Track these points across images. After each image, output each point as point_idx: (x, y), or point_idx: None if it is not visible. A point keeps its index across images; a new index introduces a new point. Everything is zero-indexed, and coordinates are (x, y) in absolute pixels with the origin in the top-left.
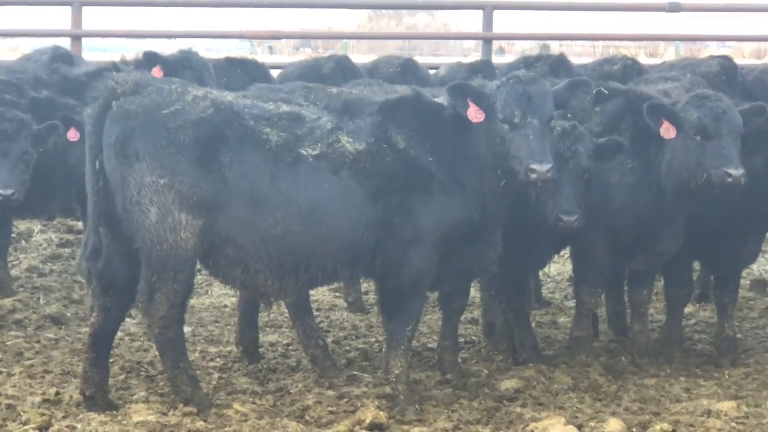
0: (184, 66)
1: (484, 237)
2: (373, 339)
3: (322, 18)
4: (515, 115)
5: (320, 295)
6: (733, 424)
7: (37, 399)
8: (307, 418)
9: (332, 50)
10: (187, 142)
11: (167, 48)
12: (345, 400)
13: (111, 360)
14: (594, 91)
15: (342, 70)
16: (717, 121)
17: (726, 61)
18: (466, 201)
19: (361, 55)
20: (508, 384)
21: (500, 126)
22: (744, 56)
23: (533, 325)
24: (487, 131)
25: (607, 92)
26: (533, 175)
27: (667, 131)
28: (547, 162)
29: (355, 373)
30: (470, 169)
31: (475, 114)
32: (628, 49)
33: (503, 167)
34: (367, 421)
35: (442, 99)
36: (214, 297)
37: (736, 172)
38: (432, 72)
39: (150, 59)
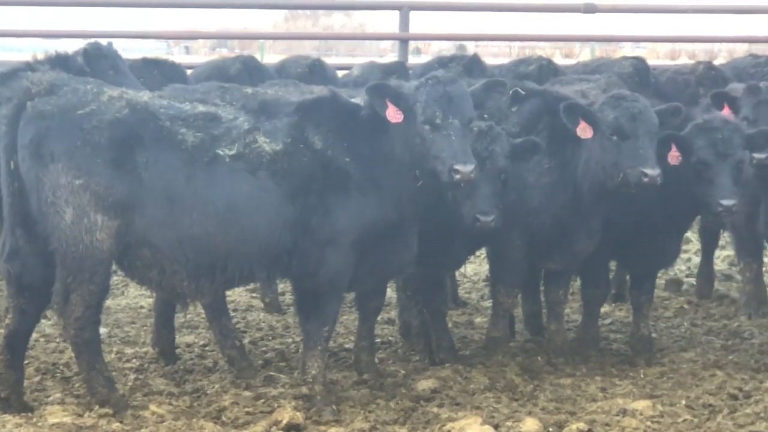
0: (98, 56)
1: (401, 237)
2: (290, 340)
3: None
4: (436, 116)
5: (237, 295)
6: (649, 423)
7: None
8: (223, 419)
9: (248, 51)
10: (103, 143)
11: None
12: (262, 400)
13: (26, 361)
14: (511, 92)
15: (249, 70)
16: (633, 121)
17: (639, 62)
18: (384, 201)
19: (277, 56)
20: (424, 384)
21: (421, 127)
22: (659, 57)
23: (450, 325)
24: (405, 132)
25: (523, 93)
26: (457, 176)
27: (584, 131)
28: (470, 162)
29: (272, 373)
30: (388, 170)
31: (394, 115)
32: (543, 49)
33: (423, 168)
34: (284, 421)
35: (359, 99)
36: (131, 298)
37: (653, 171)
38: (344, 72)
39: (62, 60)
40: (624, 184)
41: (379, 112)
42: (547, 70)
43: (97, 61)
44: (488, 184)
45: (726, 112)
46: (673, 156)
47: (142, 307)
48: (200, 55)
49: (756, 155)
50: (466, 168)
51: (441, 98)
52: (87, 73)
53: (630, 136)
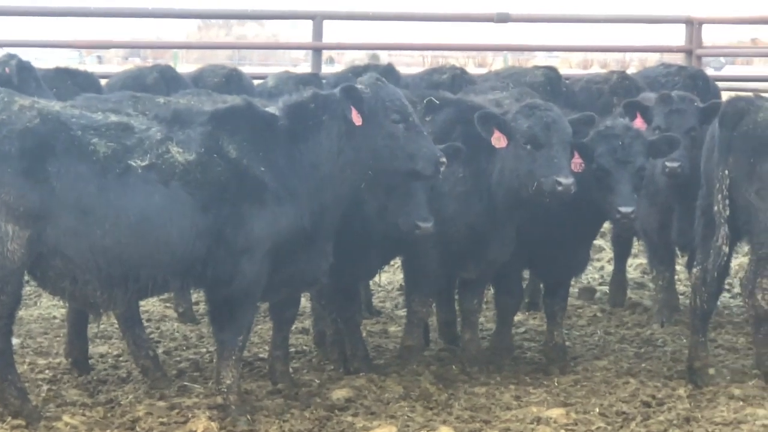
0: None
1: (317, 247)
2: (204, 349)
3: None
4: (398, 120)
5: (150, 305)
6: (563, 431)
7: None
8: (137, 429)
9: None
10: (13, 153)
11: None
12: (176, 411)
13: None
14: (425, 101)
15: (165, 79)
16: (547, 130)
17: (550, 71)
18: (300, 211)
19: (190, 65)
20: (339, 393)
21: (394, 127)
22: (571, 66)
23: (364, 334)
24: (355, 138)
25: (437, 102)
26: (429, 172)
27: (498, 141)
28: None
29: (186, 383)
30: (305, 179)
31: (356, 118)
32: (457, 59)
33: (383, 173)
34: (199, 431)
35: (274, 109)
36: (43, 308)
37: (566, 180)
38: (258, 82)
39: None
40: (538, 192)
41: (345, 113)
42: (460, 79)
43: (21, 72)
44: (422, 190)
45: (638, 121)
46: (576, 163)
47: (54, 317)
48: (113, 64)
49: (668, 164)
50: (443, 159)
51: (401, 103)
52: (14, 85)
53: (544, 145)
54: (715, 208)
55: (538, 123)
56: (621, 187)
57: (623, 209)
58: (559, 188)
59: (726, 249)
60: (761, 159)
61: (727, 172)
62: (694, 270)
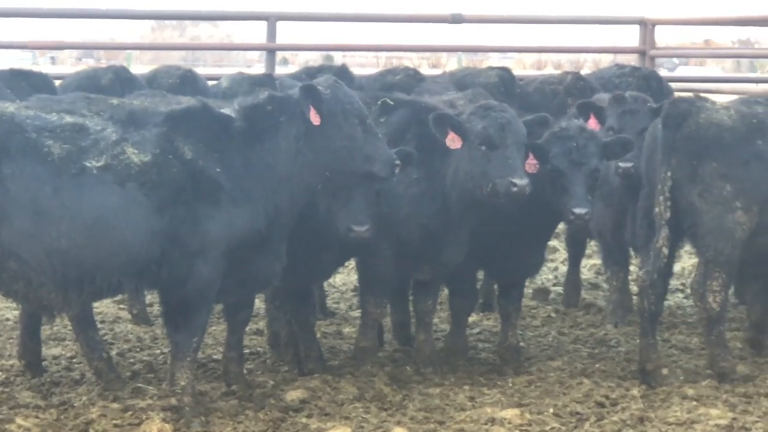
0: None
1: (272, 249)
2: (158, 351)
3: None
4: (357, 122)
5: (104, 307)
6: (517, 431)
7: None
8: (91, 431)
9: (115, 61)
10: None
11: None
12: (130, 412)
13: None
14: (379, 102)
15: (120, 80)
16: (502, 131)
17: (504, 72)
18: (255, 212)
19: (144, 66)
20: (293, 395)
21: (353, 128)
22: (525, 67)
23: (318, 335)
24: (314, 139)
25: (392, 103)
26: (384, 172)
27: (453, 142)
28: (394, 159)
29: (140, 385)
30: (261, 181)
31: (314, 117)
32: (411, 59)
33: (340, 175)
34: None
35: (229, 110)
36: None
37: (521, 182)
38: (212, 83)
39: None
40: (493, 194)
41: (304, 111)
42: (413, 80)
43: None
44: (361, 194)
45: (592, 121)
46: (530, 164)
47: (8, 319)
48: (66, 65)
49: (621, 164)
50: (397, 162)
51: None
52: None
53: (498, 146)
54: (656, 209)
55: (492, 124)
56: (575, 189)
57: (577, 210)
58: (514, 189)
59: (666, 251)
60: (704, 161)
61: (669, 173)
62: (640, 273)
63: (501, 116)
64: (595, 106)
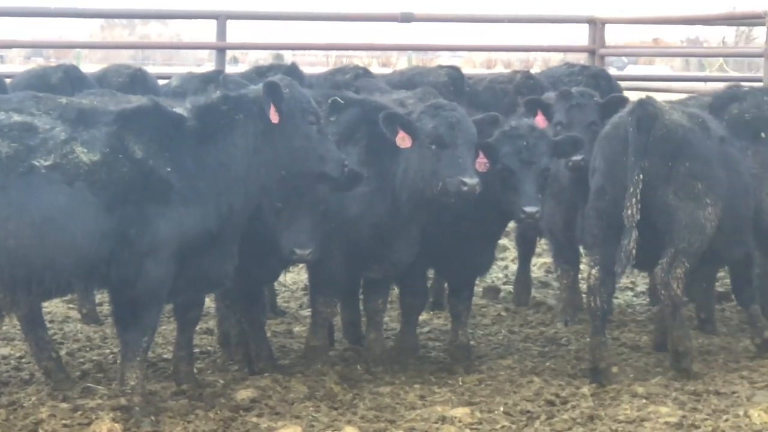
0: None
1: (222, 248)
2: (108, 350)
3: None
4: (313, 122)
5: (53, 306)
6: (467, 431)
7: None
8: (40, 431)
9: (64, 60)
10: None
11: None
12: (80, 412)
13: None
14: (329, 101)
15: (70, 79)
16: (452, 130)
17: (453, 71)
18: (207, 212)
19: (93, 65)
20: (244, 394)
21: (308, 127)
22: (475, 66)
23: (269, 334)
24: (273, 138)
25: (342, 102)
26: (334, 174)
27: (403, 141)
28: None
29: (89, 385)
30: (214, 180)
31: (273, 115)
32: (361, 58)
33: (294, 175)
34: None
35: (181, 110)
36: None
37: (471, 180)
38: (163, 82)
39: None
40: (443, 193)
41: (265, 108)
42: (363, 78)
43: None
44: (306, 215)
45: (539, 118)
46: (480, 163)
47: None
48: (15, 64)
49: (571, 158)
50: (347, 162)
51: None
52: None
53: (449, 145)
54: (628, 211)
55: (443, 123)
56: (525, 187)
57: (528, 209)
58: (464, 188)
59: (635, 252)
60: (678, 161)
61: (641, 176)
62: (592, 271)
63: (451, 115)
64: (542, 103)
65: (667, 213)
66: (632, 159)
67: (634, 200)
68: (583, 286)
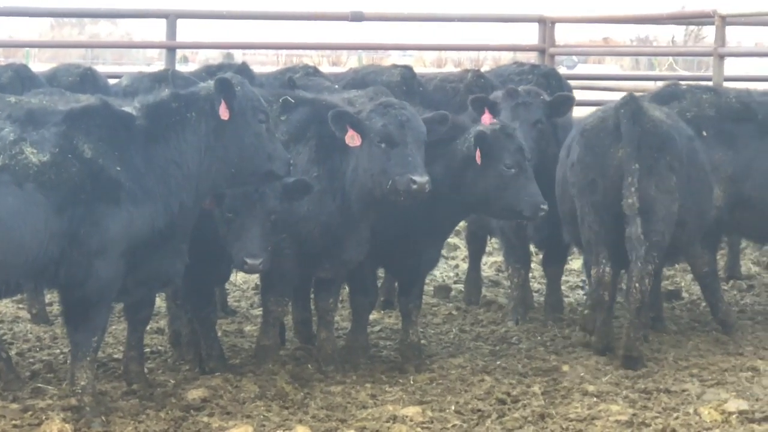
0: None
1: (173, 248)
2: (58, 350)
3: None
4: (263, 120)
5: (3, 306)
6: (419, 429)
7: None
8: None
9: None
10: None
11: None
12: (30, 413)
13: None
14: (280, 100)
15: (21, 78)
16: (401, 128)
17: (406, 71)
18: (157, 211)
19: (43, 64)
20: (195, 393)
21: (258, 126)
22: (425, 65)
23: (219, 333)
24: (224, 135)
25: (293, 101)
26: (281, 173)
27: (352, 139)
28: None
29: (39, 385)
30: (165, 179)
31: (223, 112)
32: (311, 57)
33: (242, 173)
34: None
35: (130, 109)
36: None
37: (421, 179)
38: (113, 81)
39: None
40: (392, 191)
41: (215, 105)
42: (313, 78)
43: None
44: (257, 225)
45: (486, 116)
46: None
47: None
48: None
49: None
50: (292, 161)
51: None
52: None
53: (398, 144)
54: (629, 200)
55: (392, 121)
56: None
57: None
58: (414, 186)
59: (643, 237)
60: (661, 154)
61: (637, 165)
62: (606, 269)
63: (400, 113)
64: (488, 101)
65: (646, 204)
66: (628, 149)
67: (633, 189)
68: (534, 285)
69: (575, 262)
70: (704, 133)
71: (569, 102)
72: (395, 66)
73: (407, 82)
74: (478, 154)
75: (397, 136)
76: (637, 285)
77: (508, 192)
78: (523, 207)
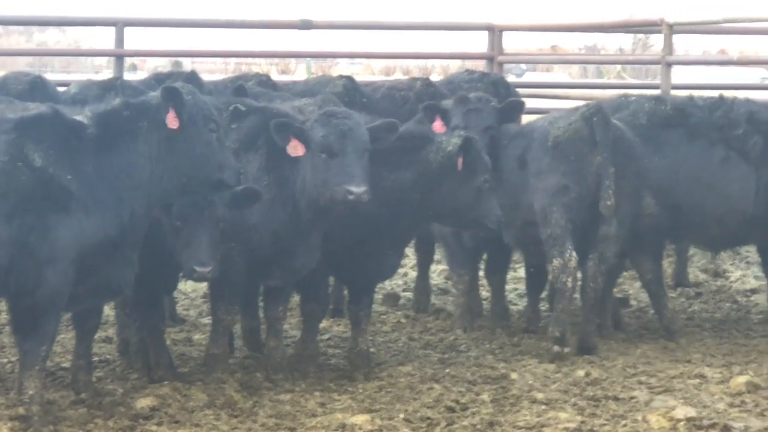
0: None
1: (123, 256)
2: (6, 360)
3: None
4: (214, 129)
5: None
6: None
7: None
8: None
9: None
10: None
11: None
12: None
13: None
14: (230, 108)
15: None
16: (342, 138)
17: (348, 82)
18: (108, 219)
19: None
20: (143, 402)
21: (208, 135)
22: (374, 73)
23: (168, 342)
24: (176, 144)
25: (244, 109)
26: (231, 182)
27: (295, 149)
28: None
29: None
30: (116, 187)
31: (171, 121)
32: (260, 65)
33: (193, 182)
34: None
35: (81, 117)
36: None
37: (358, 189)
38: (62, 89)
39: None
40: (332, 201)
41: (162, 114)
42: (266, 86)
43: None
44: (207, 233)
45: (437, 123)
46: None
47: None
48: None
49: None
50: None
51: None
52: None
53: (337, 154)
54: (607, 202)
55: (333, 131)
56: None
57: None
58: (351, 197)
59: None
60: (627, 160)
61: (614, 170)
62: (572, 254)
63: (343, 123)
64: (440, 108)
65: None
66: (604, 155)
67: (610, 192)
68: (484, 293)
69: (522, 270)
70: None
71: (519, 108)
72: (341, 77)
73: (349, 93)
74: (460, 161)
75: (336, 147)
76: (591, 284)
77: (480, 203)
78: (490, 218)
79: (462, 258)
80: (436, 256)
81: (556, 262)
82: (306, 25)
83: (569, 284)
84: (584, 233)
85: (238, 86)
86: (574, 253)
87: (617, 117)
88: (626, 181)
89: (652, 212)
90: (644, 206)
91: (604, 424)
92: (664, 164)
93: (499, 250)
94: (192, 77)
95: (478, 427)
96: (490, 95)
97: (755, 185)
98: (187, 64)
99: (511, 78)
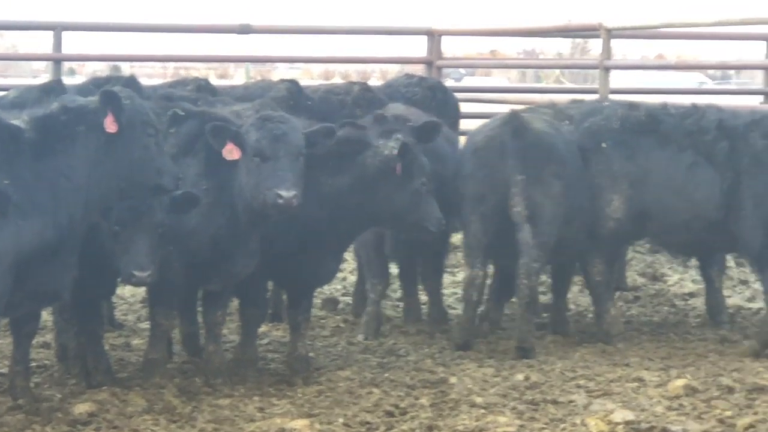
0: None
1: (61, 261)
2: None
3: None
4: (153, 134)
5: None
6: None
7: None
8: None
9: None
10: None
11: None
12: None
13: None
14: (169, 113)
15: None
16: (275, 142)
17: (292, 85)
18: (45, 224)
19: None
20: (81, 408)
21: (144, 144)
22: (312, 77)
23: (107, 347)
24: (115, 149)
25: (182, 113)
26: (169, 187)
27: (231, 153)
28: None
29: None
30: (54, 192)
31: (110, 124)
32: (198, 70)
33: (131, 186)
34: None
35: (19, 121)
36: None
37: (287, 193)
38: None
39: None
40: (264, 205)
41: (100, 116)
42: (205, 91)
43: None
44: (145, 238)
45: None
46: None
47: None
48: None
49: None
50: (180, 175)
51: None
52: None
53: (270, 158)
54: (517, 209)
55: (266, 135)
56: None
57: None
58: (280, 201)
59: (532, 241)
60: (545, 164)
61: (522, 177)
62: (479, 272)
63: (276, 127)
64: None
65: (534, 210)
66: (512, 162)
67: (518, 198)
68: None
69: (461, 274)
70: (603, 145)
71: (437, 128)
72: (283, 80)
73: (294, 97)
74: (399, 166)
75: (268, 151)
76: (525, 281)
77: (420, 206)
78: (430, 221)
79: (377, 267)
80: None
81: (466, 273)
82: (245, 29)
83: (474, 298)
84: (511, 239)
85: (165, 93)
86: (481, 272)
87: (590, 121)
88: (544, 185)
89: (619, 216)
90: (611, 210)
91: (543, 428)
92: (635, 169)
93: (433, 254)
94: (131, 82)
95: (417, 431)
96: (426, 100)
97: (719, 190)
98: (126, 69)
99: (449, 82)
